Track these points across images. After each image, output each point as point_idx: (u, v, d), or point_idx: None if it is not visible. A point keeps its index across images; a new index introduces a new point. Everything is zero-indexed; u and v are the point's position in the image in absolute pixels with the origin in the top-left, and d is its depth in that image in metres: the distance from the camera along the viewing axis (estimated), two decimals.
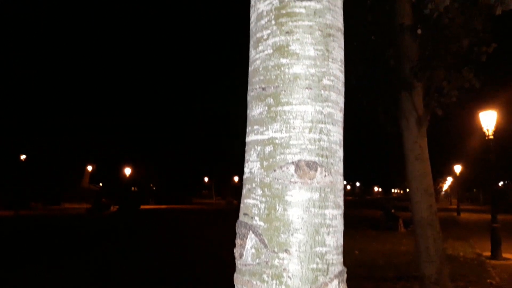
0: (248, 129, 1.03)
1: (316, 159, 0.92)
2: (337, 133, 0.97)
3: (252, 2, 1.09)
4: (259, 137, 0.98)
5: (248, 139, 1.02)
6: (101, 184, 60.18)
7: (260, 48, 1.02)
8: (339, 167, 0.98)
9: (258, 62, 1.02)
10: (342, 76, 1.03)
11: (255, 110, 1.01)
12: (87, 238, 17.50)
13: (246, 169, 1.00)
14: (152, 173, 55.80)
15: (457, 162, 40.20)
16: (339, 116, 0.99)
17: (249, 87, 1.05)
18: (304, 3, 0.98)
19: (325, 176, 0.93)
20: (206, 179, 67.40)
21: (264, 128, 0.97)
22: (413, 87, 7.40)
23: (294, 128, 0.93)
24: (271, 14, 1.01)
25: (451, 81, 7.56)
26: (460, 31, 7.13)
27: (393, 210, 27.21)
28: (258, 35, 1.04)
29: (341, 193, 0.99)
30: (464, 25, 7.09)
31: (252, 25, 1.08)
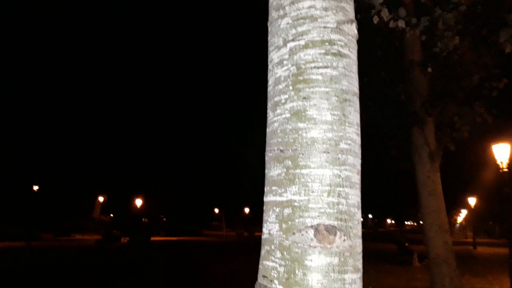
0: (266, 189, 1.05)
1: (335, 223, 0.94)
2: (355, 196, 0.99)
3: (269, 66, 1.14)
4: (278, 198, 1.00)
5: (267, 199, 1.04)
6: (112, 215, 60.16)
7: (278, 111, 1.06)
8: (358, 230, 0.99)
9: (276, 124, 1.06)
10: (358, 139, 1.06)
11: (273, 171, 1.03)
12: (96, 272, 17.38)
13: (264, 230, 1.02)
14: (163, 204, 55.70)
15: (472, 195, 39.53)
16: (357, 178, 1.02)
17: (267, 148, 1.08)
18: (320, 70, 1.02)
19: (344, 240, 0.94)
20: (216, 210, 67.00)
21: (283, 190, 0.99)
22: (425, 122, 7.40)
23: (312, 192, 0.95)
24: (288, 79, 1.05)
25: (462, 116, 7.57)
26: (471, 67, 7.18)
27: (406, 244, 26.66)
28: (276, 98, 1.08)
29: (360, 256, 1.00)
30: (474, 61, 7.15)
31: (270, 88, 1.12)
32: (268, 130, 1.10)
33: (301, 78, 1.03)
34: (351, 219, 0.97)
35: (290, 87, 1.04)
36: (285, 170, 1.00)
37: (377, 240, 49.84)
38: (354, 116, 1.05)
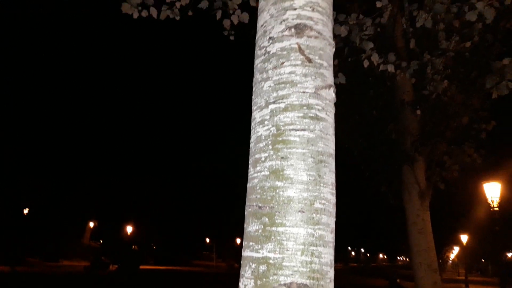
0: (245, 243, 1.10)
1: (307, 282, 0.98)
2: (328, 255, 1.04)
3: (252, 124, 1.20)
4: (254, 254, 1.04)
5: (244, 254, 1.08)
6: (101, 241, 59.13)
7: (258, 168, 1.12)
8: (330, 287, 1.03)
9: (255, 180, 1.12)
10: (333, 199, 1.11)
11: (251, 227, 1.08)
12: None
13: (241, 285, 1.06)
14: (154, 231, 54.93)
15: (464, 232, 39.41)
16: (330, 237, 1.06)
17: (247, 203, 1.13)
18: (298, 133, 1.08)
19: None
20: (207, 239, 66.08)
21: (259, 246, 1.03)
22: (415, 161, 7.49)
23: (287, 250, 1.00)
24: (268, 139, 1.11)
25: (452, 156, 7.68)
26: (460, 109, 7.35)
27: (398, 280, 26.37)
28: (257, 156, 1.14)
29: None
30: (463, 103, 7.32)
31: (252, 145, 1.18)
32: (248, 185, 1.15)
33: (280, 138, 1.09)
34: (323, 278, 1.01)
35: (270, 146, 1.10)
36: (262, 226, 1.05)
37: (369, 274, 49.22)
38: (329, 176, 1.10)
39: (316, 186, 1.06)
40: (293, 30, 1.16)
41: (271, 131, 1.11)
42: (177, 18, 3.95)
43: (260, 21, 1.28)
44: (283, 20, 1.19)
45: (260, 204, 1.07)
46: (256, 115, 1.18)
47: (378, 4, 3.87)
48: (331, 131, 1.15)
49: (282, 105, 1.12)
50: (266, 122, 1.14)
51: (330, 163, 1.12)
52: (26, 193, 43.71)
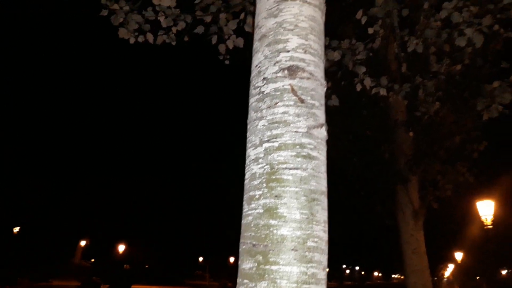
0: (239, 280, 1.11)
1: None
2: None
3: (247, 161, 1.23)
4: None
5: None
6: (93, 260, 58.27)
7: (253, 205, 1.15)
8: None
9: (250, 218, 1.14)
10: (325, 236, 1.13)
11: (245, 264, 1.10)
12: None
13: None
14: (146, 251, 54.28)
15: (458, 249, 39.31)
16: (322, 274, 1.09)
17: (241, 240, 1.16)
18: (291, 171, 1.12)
19: None
20: (200, 259, 65.36)
21: (253, 285, 1.05)
22: (408, 181, 7.54)
23: None
24: (263, 177, 1.14)
25: (445, 175, 7.74)
26: (452, 128, 7.44)
27: None
28: (251, 193, 1.17)
29: None
30: (456, 122, 7.42)
31: (246, 182, 1.21)
32: (243, 222, 1.17)
33: (274, 177, 1.12)
34: None
35: (264, 184, 1.13)
36: (256, 264, 1.07)
37: None
38: (322, 214, 1.13)
39: (309, 224, 1.08)
40: (286, 71, 1.20)
41: (265, 169, 1.14)
42: (173, 43, 4.01)
43: (255, 61, 1.32)
44: (277, 62, 1.23)
45: (254, 242, 1.09)
46: (251, 153, 1.21)
47: (370, 31, 3.96)
48: (323, 169, 1.18)
49: (276, 144, 1.15)
50: (260, 160, 1.17)
51: (322, 201, 1.15)
52: (17, 211, 43.20)
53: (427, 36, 4.02)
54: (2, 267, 37.79)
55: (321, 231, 1.11)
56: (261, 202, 1.12)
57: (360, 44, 4.13)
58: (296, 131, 1.16)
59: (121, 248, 45.78)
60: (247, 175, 1.21)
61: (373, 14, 4.12)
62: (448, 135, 7.41)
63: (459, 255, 39.15)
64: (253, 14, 4.18)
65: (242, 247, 1.14)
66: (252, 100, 1.29)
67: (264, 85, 1.24)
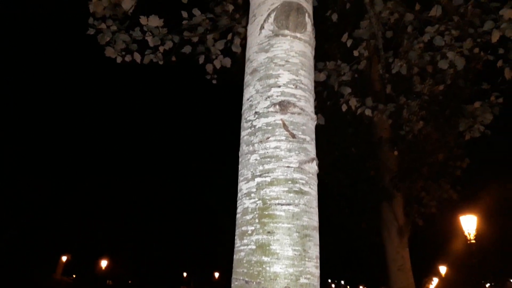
0: None
1: None
2: None
3: (239, 195, 1.24)
4: None
5: None
6: (74, 276, 56.97)
7: (245, 241, 1.15)
8: None
9: (242, 254, 1.14)
10: (317, 272, 1.14)
11: None
12: None
13: None
14: (129, 266, 53.34)
15: (442, 263, 39.59)
16: None
17: (234, 276, 1.15)
18: (284, 207, 1.12)
19: None
20: (184, 274, 64.47)
21: None
22: (394, 197, 7.61)
23: None
24: (255, 212, 1.15)
25: (429, 192, 7.84)
26: (435, 145, 7.56)
27: None
28: (244, 228, 1.17)
29: None
30: (438, 139, 7.55)
31: (238, 216, 1.21)
32: (235, 257, 1.17)
33: (266, 212, 1.13)
34: None
35: (257, 220, 1.13)
36: None
37: None
38: (314, 250, 1.14)
39: (301, 261, 1.09)
40: (277, 106, 1.22)
41: (257, 204, 1.15)
42: (161, 62, 4.01)
43: (246, 95, 1.33)
44: (268, 97, 1.25)
45: (247, 279, 1.09)
46: (243, 187, 1.22)
47: (355, 53, 4.03)
48: (315, 203, 1.19)
49: (268, 179, 1.16)
50: (252, 195, 1.17)
51: (314, 237, 1.16)
52: None
53: (411, 58, 4.12)
54: None
55: (313, 267, 1.12)
56: (254, 238, 1.13)
57: (345, 66, 4.19)
58: (288, 166, 1.17)
59: (104, 263, 44.87)
60: (239, 209, 1.22)
61: (358, 36, 4.20)
62: (432, 153, 7.53)
63: (443, 269, 39.44)
64: (240, 34, 4.23)
65: (235, 283, 1.14)
66: (243, 133, 1.30)
67: (255, 119, 1.26)
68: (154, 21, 3.71)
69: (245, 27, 4.18)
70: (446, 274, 40.54)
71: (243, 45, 4.12)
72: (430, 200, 7.87)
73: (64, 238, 48.16)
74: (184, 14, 3.92)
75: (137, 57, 3.87)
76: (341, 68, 4.18)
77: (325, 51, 6.29)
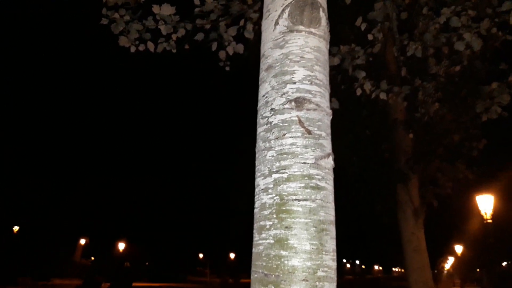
0: None
1: None
2: None
3: (256, 190, 1.27)
4: None
5: None
6: (93, 259, 58.37)
7: (263, 235, 1.18)
8: None
9: (261, 247, 1.18)
10: (334, 265, 1.17)
11: None
12: None
13: None
14: (146, 248, 54.38)
15: (458, 242, 39.50)
16: None
17: (253, 268, 1.19)
18: (301, 203, 1.15)
19: None
20: (200, 255, 65.53)
21: None
22: (409, 179, 7.57)
23: None
24: (273, 208, 1.18)
25: (445, 173, 7.78)
26: (451, 126, 7.47)
27: None
28: (262, 223, 1.20)
29: None
30: (454, 120, 7.45)
31: (256, 211, 1.25)
32: (254, 250, 1.21)
33: (284, 208, 1.16)
34: None
35: (274, 215, 1.17)
36: None
37: (364, 287, 49.00)
38: (330, 244, 1.17)
39: (318, 255, 1.12)
40: (293, 103, 1.24)
41: (275, 200, 1.18)
42: (174, 50, 4.03)
43: (262, 91, 1.35)
44: (284, 93, 1.27)
45: (266, 272, 1.13)
46: (260, 182, 1.25)
47: (370, 37, 3.98)
48: (331, 198, 1.22)
49: (285, 175, 1.19)
50: (270, 191, 1.20)
51: (331, 231, 1.19)
52: (16, 211, 43.21)
53: (426, 40, 4.05)
54: (2, 267, 37.85)
55: (330, 261, 1.15)
56: (272, 232, 1.16)
57: (359, 49, 4.15)
58: (304, 162, 1.19)
59: (121, 246, 45.82)
60: (257, 204, 1.25)
61: (372, 18, 4.14)
62: (447, 133, 7.45)
63: (459, 248, 39.38)
64: (252, 20, 4.21)
65: (254, 276, 1.18)
66: (260, 130, 1.32)
67: (271, 115, 1.28)
68: (166, 10, 3.72)
69: (257, 12, 4.16)
70: (462, 253, 40.49)
71: (256, 31, 4.11)
72: (445, 181, 7.82)
73: (82, 222, 49.22)
74: (196, 1, 3.91)
75: (151, 46, 3.90)
76: (355, 52, 4.14)
77: (338, 33, 6.22)
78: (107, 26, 3.75)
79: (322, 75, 1.31)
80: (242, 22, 4.11)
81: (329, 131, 1.28)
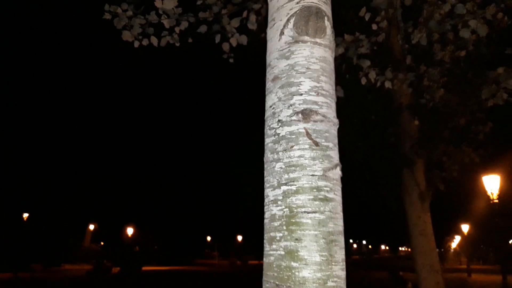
0: None
1: None
2: None
3: (266, 201, 1.29)
4: None
5: None
6: (102, 244, 59.18)
7: (274, 246, 1.21)
8: None
9: (272, 258, 1.21)
10: (343, 274, 1.20)
11: None
12: None
13: None
14: (154, 232, 55.00)
15: (465, 221, 39.65)
16: None
17: (264, 278, 1.23)
18: (310, 215, 1.18)
19: None
20: (208, 238, 66.23)
21: None
22: (414, 163, 7.57)
23: None
24: (282, 219, 1.21)
25: (451, 157, 7.77)
26: (456, 109, 7.42)
27: (401, 273, 26.51)
28: (272, 234, 1.23)
29: None
30: (460, 103, 7.40)
31: (266, 222, 1.28)
32: (265, 260, 1.24)
33: (293, 220, 1.18)
34: None
35: (284, 227, 1.19)
36: None
37: (371, 267, 49.44)
38: (340, 254, 1.20)
39: (328, 265, 1.15)
40: (300, 115, 1.25)
41: (284, 212, 1.20)
42: (177, 44, 4.03)
43: (269, 102, 1.37)
44: (291, 105, 1.28)
45: (277, 282, 1.16)
46: (270, 193, 1.27)
47: (374, 27, 3.95)
48: (339, 209, 1.24)
49: (294, 188, 1.21)
50: (279, 202, 1.23)
51: (340, 241, 1.21)
52: (25, 198, 43.70)
53: (431, 27, 4.02)
54: (14, 254, 38.50)
55: (339, 270, 1.18)
56: (282, 244, 1.19)
57: (364, 38, 4.12)
58: (312, 175, 1.21)
59: (130, 231, 46.43)
60: (267, 215, 1.28)
61: (375, 5, 4.10)
62: (453, 116, 7.41)
63: (465, 227, 39.56)
64: (254, 11, 4.18)
65: (266, 285, 1.21)
66: (268, 141, 1.34)
67: (279, 127, 1.29)
68: (169, 3, 3.70)
69: (259, 2, 4.12)
70: (468, 232, 40.67)
71: (259, 22, 4.09)
72: (451, 164, 7.81)
73: (91, 208, 49.78)
74: None
75: (154, 40, 3.90)
76: (359, 41, 4.11)
77: (341, 20, 6.15)
78: (108, 24, 3.74)
79: (328, 85, 1.32)
80: (245, 14, 4.09)
81: (336, 141, 1.30)
